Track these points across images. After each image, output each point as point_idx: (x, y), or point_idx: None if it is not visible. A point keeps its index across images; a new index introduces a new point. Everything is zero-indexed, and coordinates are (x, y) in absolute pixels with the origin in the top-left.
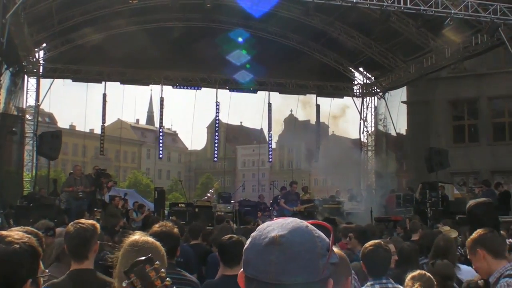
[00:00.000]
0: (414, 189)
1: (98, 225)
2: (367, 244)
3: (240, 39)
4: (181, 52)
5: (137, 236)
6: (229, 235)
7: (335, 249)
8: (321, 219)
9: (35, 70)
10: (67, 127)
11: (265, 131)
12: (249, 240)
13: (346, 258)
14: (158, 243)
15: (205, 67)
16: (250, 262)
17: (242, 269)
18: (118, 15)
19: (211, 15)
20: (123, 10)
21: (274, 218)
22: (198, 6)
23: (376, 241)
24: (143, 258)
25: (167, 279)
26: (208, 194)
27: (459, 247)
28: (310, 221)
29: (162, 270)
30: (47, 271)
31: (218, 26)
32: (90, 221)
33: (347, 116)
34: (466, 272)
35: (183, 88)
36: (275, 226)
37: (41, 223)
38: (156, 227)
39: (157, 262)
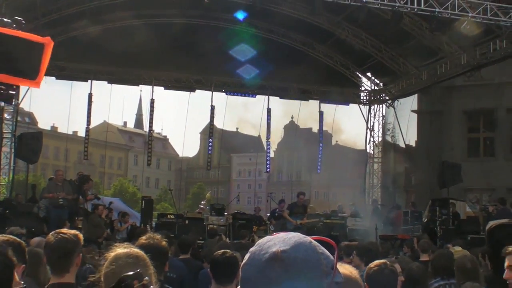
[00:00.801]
0: (416, 205)
1: (81, 236)
2: (371, 264)
3: (240, 17)
4: (175, 51)
5: (124, 248)
6: (223, 250)
7: (349, 269)
8: (322, 236)
9: None
10: (49, 128)
11: (263, 138)
12: (248, 255)
13: (359, 280)
14: (146, 256)
15: (200, 67)
16: (249, 279)
17: (238, 287)
18: (107, 8)
19: (210, 12)
20: (113, 4)
21: (274, 233)
22: (197, 1)
23: (382, 260)
24: (131, 273)
25: None
26: (201, 206)
27: None
28: (314, 237)
29: (151, 287)
30: (22, 282)
31: (217, 24)
32: (73, 231)
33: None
34: None
35: (176, 89)
36: (276, 241)
37: (10, 230)
38: (143, 239)
39: (146, 277)
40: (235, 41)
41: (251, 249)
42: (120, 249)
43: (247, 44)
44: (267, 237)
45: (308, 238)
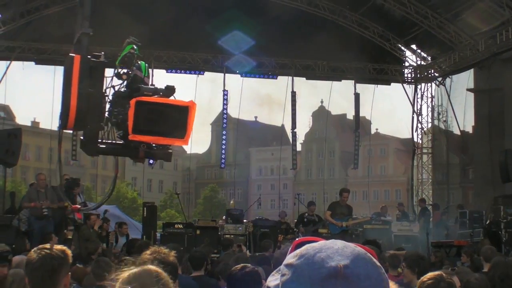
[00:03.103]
0: (464, 206)
1: (69, 252)
2: (424, 277)
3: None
4: (177, 25)
5: (141, 267)
6: (242, 265)
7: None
8: (362, 242)
9: None
10: (29, 123)
11: (288, 128)
12: (288, 270)
13: None
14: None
15: (209, 44)
16: None
17: None
18: None
19: None
20: None
21: (298, 239)
22: None
23: (437, 272)
24: None
25: None
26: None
27: None
28: (354, 243)
29: None
30: None
31: None
32: (59, 247)
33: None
34: None
35: (180, 72)
36: (329, 252)
37: None
38: (147, 254)
39: None
40: (248, 10)
41: (290, 262)
42: (134, 269)
43: (263, 15)
44: (311, 246)
45: (361, 248)
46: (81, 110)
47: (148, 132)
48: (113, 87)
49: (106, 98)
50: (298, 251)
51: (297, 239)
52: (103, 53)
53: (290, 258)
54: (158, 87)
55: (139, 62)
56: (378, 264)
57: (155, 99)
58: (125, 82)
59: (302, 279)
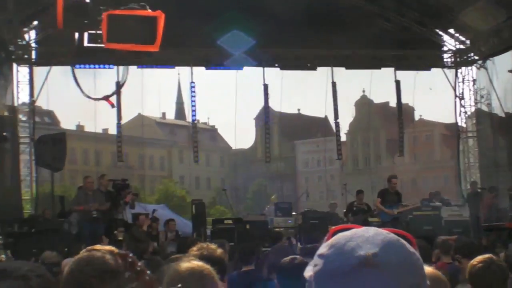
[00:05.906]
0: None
1: (117, 251)
2: (474, 261)
3: None
4: (206, 21)
5: (187, 262)
6: (291, 257)
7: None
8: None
9: (26, 56)
10: (73, 127)
11: (331, 119)
12: (320, 260)
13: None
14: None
15: None
16: None
17: None
18: None
19: None
20: None
21: (331, 228)
22: None
23: (486, 255)
24: None
25: None
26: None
27: None
28: (385, 229)
29: None
30: None
31: None
32: (108, 247)
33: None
34: None
35: (219, 68)
36: (359, 241)
37: (45, 256)
38: (194, 251)
39: None
40: (287, 3)
41: (322, 252)
42: (180, 264)
43: (299, 7)
44: (342, 235)
45: (393, 235)
46: (66, 11)
47: (120, 40)
48: None
49: None
50: (330, 241)
51: (333, 227)
52: None
53: (322, 248)
54: None
55: None
56: (412, 250)
57: (124, 11)
58: None
59: (331, 269)
